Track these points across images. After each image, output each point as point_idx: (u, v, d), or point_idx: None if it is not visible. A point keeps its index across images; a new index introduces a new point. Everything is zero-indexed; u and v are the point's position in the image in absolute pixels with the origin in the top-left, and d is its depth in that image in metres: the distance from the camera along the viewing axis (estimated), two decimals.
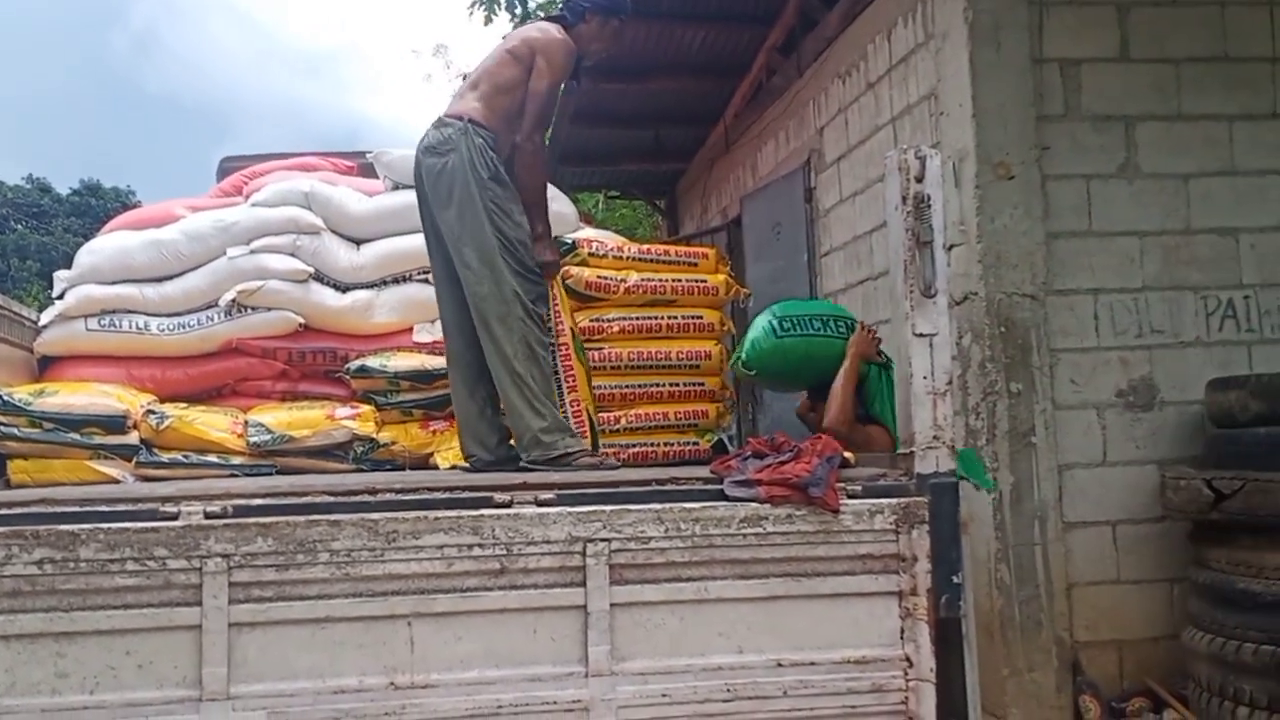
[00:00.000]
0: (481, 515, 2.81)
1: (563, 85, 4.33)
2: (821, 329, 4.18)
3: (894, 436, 3.73)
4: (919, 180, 3.10)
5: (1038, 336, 5.07)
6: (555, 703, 2.78)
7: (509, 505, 2.86)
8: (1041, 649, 4.89)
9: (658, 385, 4.45)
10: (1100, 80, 5.28)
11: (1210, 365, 5.17)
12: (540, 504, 2.88)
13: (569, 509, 2.86)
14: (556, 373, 4.04)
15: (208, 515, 2.70)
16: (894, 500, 2.98)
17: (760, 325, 4.31)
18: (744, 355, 4.39)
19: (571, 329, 4.12)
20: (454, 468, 4.31)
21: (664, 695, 2.83)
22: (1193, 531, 4.82)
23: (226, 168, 6.29)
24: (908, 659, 2.93)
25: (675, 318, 4.51)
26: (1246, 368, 5.20)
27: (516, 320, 3.85)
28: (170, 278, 4.86)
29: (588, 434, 4.05)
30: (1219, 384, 4.87)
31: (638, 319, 4.46)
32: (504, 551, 2.79)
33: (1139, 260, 5.26)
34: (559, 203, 4.79)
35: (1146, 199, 5.28)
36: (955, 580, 2.95)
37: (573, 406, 4.05)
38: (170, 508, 2.72)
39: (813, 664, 2.90)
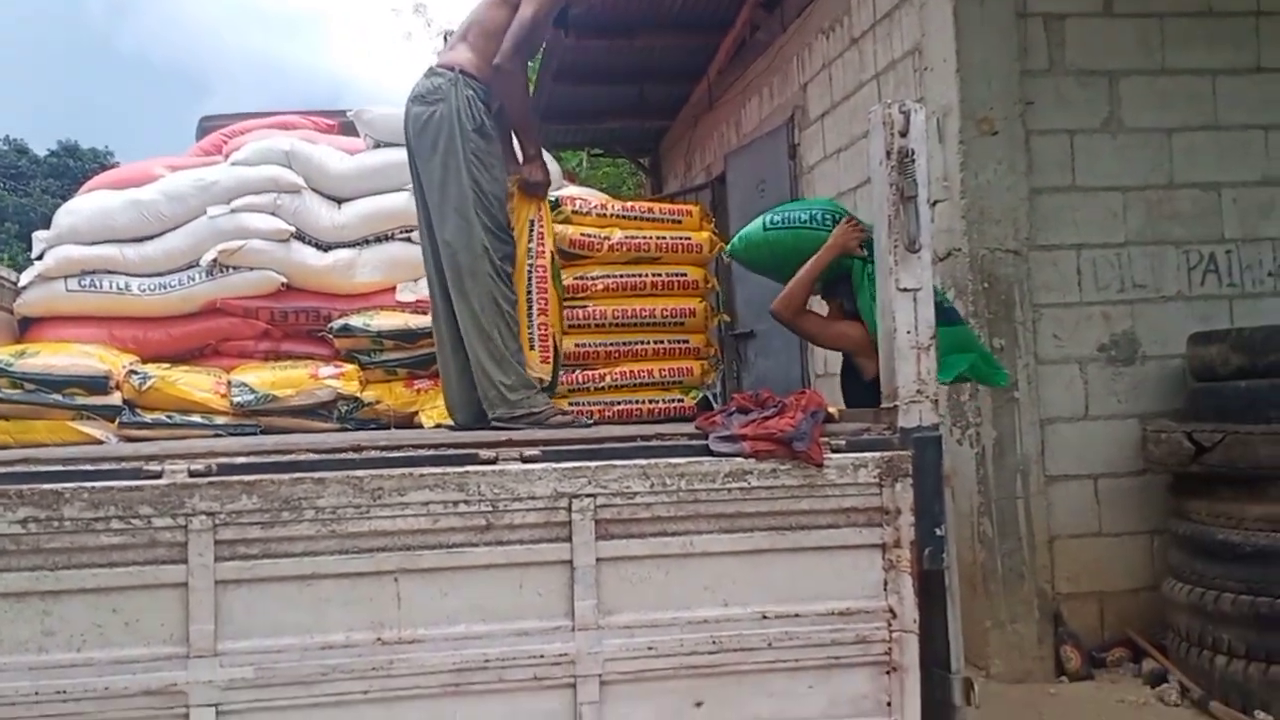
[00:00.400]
0: (467, 472, 2.80)
1: (549, 22, 4.27)
2: (808, 222, 4.12)
3: (873, 336, 3.74)
4: (903, 135, 3.09)
5: (1020, 292, 5.09)
6: (542, 656, 2.79)
7: (494, 462, 2.86)
8: (1023, 601, 4.94)
9: (642, 343, 4.44)
10: (1084, 34, 5.28)
11: (1192, 319, 5.21)
12: (525, 460, 2.88)
13: (554, 465, 2.86)
14: (529, 293, 4.03)
15: (192, 473, 2.69)
16: (878, 454, 2.99)
17: (754, 221, 4.31)
18: (731, 246, 4.40)
19: (552, 253, 4.11)
20: (439, 426, 4.31)
21: (650, 648, 2.84)
22: (1173, 484, 4.87)
23: (206, 127, 6.22)
24: (891, 610, 2.95)
25: (659, 275, 4.49)
26: (1228, 322, 5.24)
27: (484, 275, 3.84)
28: (150, 238, 4.82)
29: (551, 359, 4.06)
30: (1200, 338, 4.90)
31: (622, 276, 4.44)
32: (490, 508, 2.79)
33: (1122, 215, 5.28)
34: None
35: (1130, 154, 5.29)
36: (938, 533, 2.98)
37: (540, 330, 4.04)
38: (154, 466, 2.71)
39: (797, 616, 2.92)
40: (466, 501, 2.78)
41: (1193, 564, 4.57)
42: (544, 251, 4.08)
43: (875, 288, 3.77)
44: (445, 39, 4.33)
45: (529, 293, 4.04)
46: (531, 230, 4.08)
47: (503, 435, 3.28)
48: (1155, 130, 5.32)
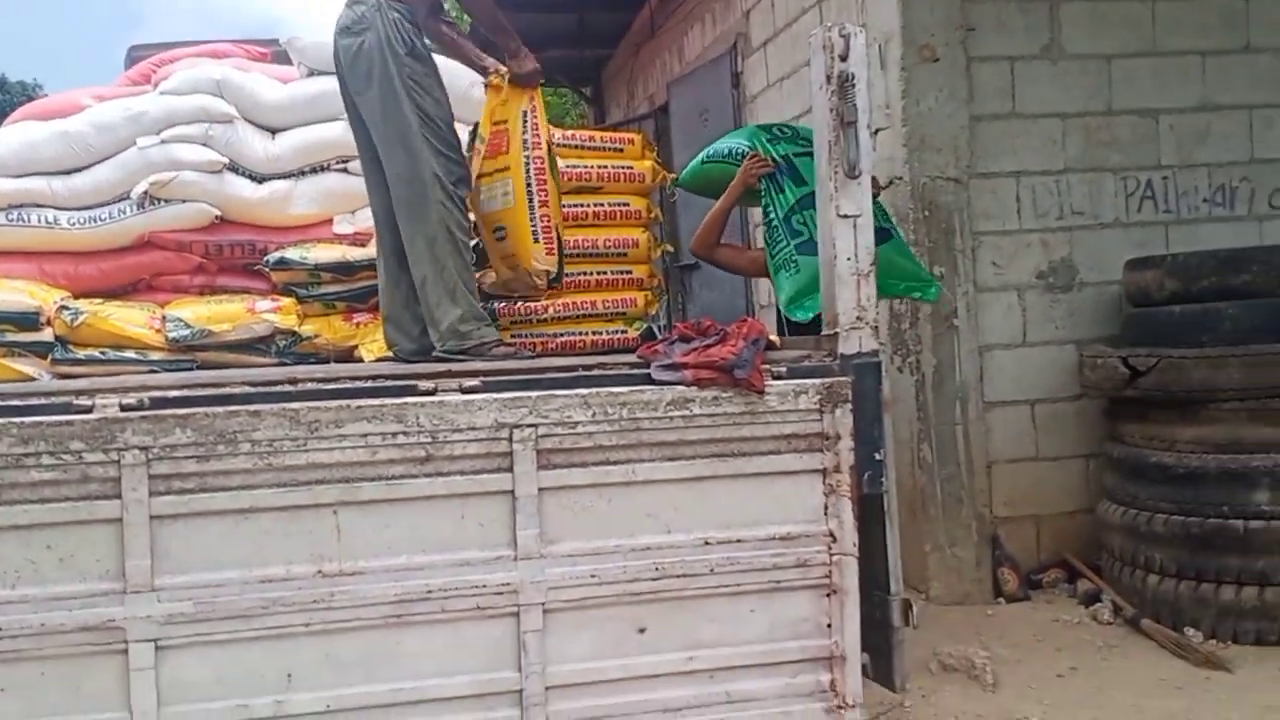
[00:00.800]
0: (405, 403, 2.79)
1: None
2: (727, 156, 4.32)
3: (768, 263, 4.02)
4: (843, 59, 3.08)
5: (960, 220, 5.11)
6: (484, 586, 2.80)
7: (433, 393, 2.85)
8: (962, 525, 5.02)
9: (585, 274, 4.39)
10: None
11: (1128, 246, 5.26)
12: (465, 391, 2.87)
13: (495, 395, 2.85)
14: (529, 186, 3.97)
15: (123, 408, 2.65)
16: (818, 381, 3.02)
17: (697, 155, 4.55)
18: (680, 178, 4.72)
19: (548, 144, 4.04)
20: (379, 360, 4.26)
21: (592, 576, 2.87)
22: (1109, 408, 4.95)
23: (135, 56, 6.03)
24: (831, 534, 2.99)
25: (602, 205, 4.44)
26: (1164, 248, 5.30)
27: (436, 204, 3.76)
28: (79, 170, 4.69)
29: (556, 251, 4.01)
30: (1136, 264, 4.96)
31: (564, 206, 4.38)
32: (429, 439, 2.78)
33: (1061, 142, 5.30)
34: (481, 90, 4.66)
35: (1069, 80, 5.30)
36: (877, 458, 3.02)
37: (543, 221, 3.96)
38: (85, 400, 2.67)
39: (739, 541, 2.96)
40: (405, 433, 2.76)
41: (1126, 486, 4.66)
42: (540, 142, 4.00)
43: (776, 218, 3.91)
44: None
45: (528, 186, 3.96)
46: (525, 121, 4.00)
47: (442, 366, 3.26)
48: (1094, 57, 5.32)
